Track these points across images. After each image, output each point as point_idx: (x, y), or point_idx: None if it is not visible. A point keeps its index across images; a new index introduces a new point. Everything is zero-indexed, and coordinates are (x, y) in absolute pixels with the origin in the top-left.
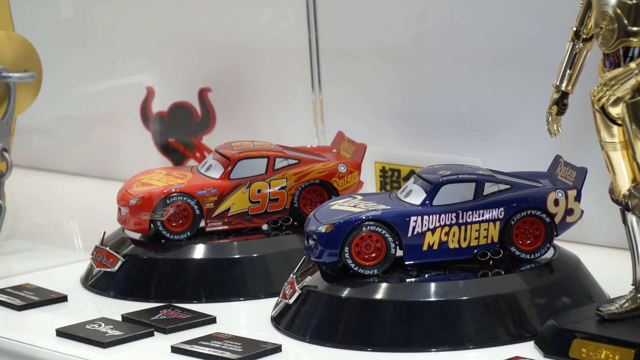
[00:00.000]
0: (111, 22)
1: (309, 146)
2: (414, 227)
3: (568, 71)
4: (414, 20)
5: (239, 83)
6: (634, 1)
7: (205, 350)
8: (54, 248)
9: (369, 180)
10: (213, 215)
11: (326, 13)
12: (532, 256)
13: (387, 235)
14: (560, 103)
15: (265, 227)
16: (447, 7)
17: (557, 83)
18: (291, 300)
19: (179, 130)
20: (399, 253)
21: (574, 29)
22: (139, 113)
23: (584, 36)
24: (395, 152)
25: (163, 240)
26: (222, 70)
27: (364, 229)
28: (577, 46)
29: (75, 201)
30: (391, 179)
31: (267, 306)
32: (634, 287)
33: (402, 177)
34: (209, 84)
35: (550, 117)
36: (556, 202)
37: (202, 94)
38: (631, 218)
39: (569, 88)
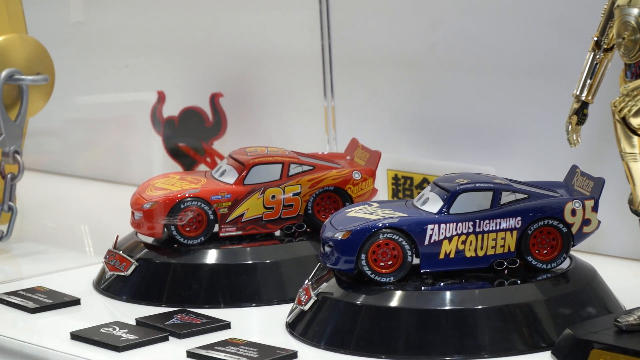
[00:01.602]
0: (121, 27)
1: (322, 153)
2: (430, 235)
3: (588, 81)
4: (428, 28)
5: (251, 88)
6: None
7: (221, 356)
8: (65, 251)
9: (381, 188)
10: (227, 221)
11: (339, 20)
12: (549, 266)
13: (403, 243)
14: (580, 113)
15: (278, 233)
16: (461, 15)
17: (577, 93)
18: (306, 307)
19: (190, 135)
20: (416, 261)
21: (595, 38)
22: (149, 117)
23: (605, 46)
24: (408, 160)
25: (176, 245)
26: (234, 76)
27: (380, 236)
28: (597, 56)
29: (86, 205)
30: (403, 186)
31: (280, 312)
32: None
33: (415, 185)
34: (220, 89)
35: (570, 127)
36: (573, 212)
37: (214, 99)
38: None
39: (589, 98)
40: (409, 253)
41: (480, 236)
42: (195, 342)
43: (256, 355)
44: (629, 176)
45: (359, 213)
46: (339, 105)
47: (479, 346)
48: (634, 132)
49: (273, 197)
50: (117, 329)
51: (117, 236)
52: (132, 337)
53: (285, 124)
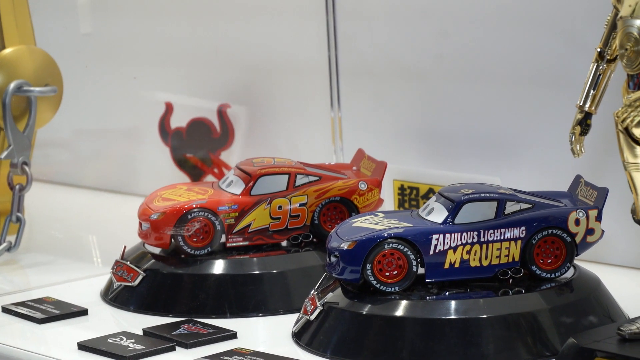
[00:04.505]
0: (129, 38)
1: (328, 163)
2: (435, 245)
3: (592, 92)
4: (434, 38)
5: (258, 99)
6: None
7: None
8: (73, 262)
9: (387, 198)
10: (234, 231)
11: (346, 30)
12: (553, 275)
13: (409, 253)
14: (584, 123)
15: (285, 243)
16: (467, 27)
17: (581, 103)
18: (312, 317)
19: (197, 146)
20: (421, 271)
21: (598, 49)
22: (157, 128)
23: (608, 57)
24: (414, 170)
25: (183, 256)
26: (241, 87)
27: (386, 246)
28: (600, 67)
29: (94, 215)
30: (409, 197)
31: (286, 322)
32: None
33: (421, 195)
34: (228, 100)
35: (573, 137)
36: (577, 222)
37: (221, 110)
38: None
39: (592, 108)
40: (414, 263)
41: (484, 246)
42: (201, 352)
43: None
44: (631, 186)
45: (364, 223)
46: (346, 115)
47: (484, 355)
48: (637, 142)
49: (279, 207)
50: (124, 339)
51: (125, 247)
52: (139, 347)
53: (292, 135)
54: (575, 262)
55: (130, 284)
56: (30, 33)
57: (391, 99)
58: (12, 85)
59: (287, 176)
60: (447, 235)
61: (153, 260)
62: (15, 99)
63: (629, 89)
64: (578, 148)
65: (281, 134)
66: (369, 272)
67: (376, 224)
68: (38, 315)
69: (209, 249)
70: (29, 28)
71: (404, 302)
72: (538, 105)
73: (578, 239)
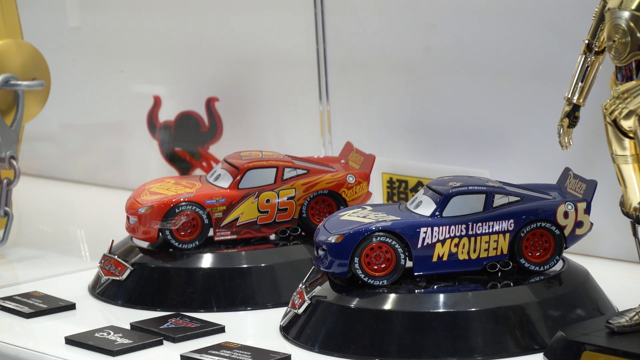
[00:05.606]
0: (117, 32)
1: (316, 156)
2: (423, 238)
3: (580, 84)
4: (423, 31)
5: (247, 93)
6: None
7: None
8: (61, 256)
9: (376, 191)
10: (222, 225)
11: (334, 24)
12: (541, 268)
13: (397, 246)
14: (572, 116)
15: (273, 237)
16: (455, 19)
17: (569, 96)
18: (300, 310)
19: (186, 140)
20: (409, 264)
21: (586, 41)
22: (145, 122)
23: (596, 49)
24: (403, 163)
25: (171, 249)
26: (229, 80)
27: (374, 239)
28: (589, 59)
29: (82, 209)
30: (398, 190)
31: (274, 316)
32: None
33: (410, 188)
34: (216, 93)
35: (561, 130)
36: (566, 215)
37: (210, 103)
38: None
39: (581, 101)
40: (402, 256)
41: (473, 239)
42: (189, 346)
43: (250, 359)
44: (620, 178)
45: (352, 216)
46: (334, 108)
47: (472, 348)
48: (625, 134)
49: (267, 201)
50: (112, 333)
51: (112, 241)
52: (126, 341)
53: (280, 128)
54: (564, 254)
55: (118, 278)
56: (17, 27)
57: (380, 91)
58: None
59: (275, 169)
60: (435, 229)
61: (141, 255)
62: (3, 93)
63: (617, 80)
64: (566, 140)
65: (269, 128)
66: (356, 266)
67: (364, 217)
68: (26, 309)
69: (197, 242)
70: (17, 22)
71: (392, 296)
72: (526, 98)
73: (567, 232)
